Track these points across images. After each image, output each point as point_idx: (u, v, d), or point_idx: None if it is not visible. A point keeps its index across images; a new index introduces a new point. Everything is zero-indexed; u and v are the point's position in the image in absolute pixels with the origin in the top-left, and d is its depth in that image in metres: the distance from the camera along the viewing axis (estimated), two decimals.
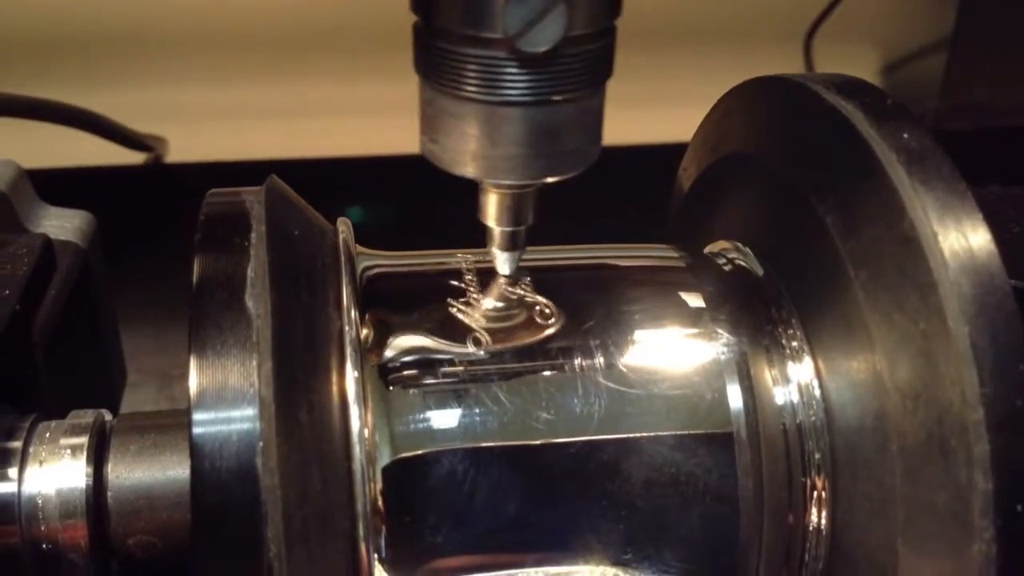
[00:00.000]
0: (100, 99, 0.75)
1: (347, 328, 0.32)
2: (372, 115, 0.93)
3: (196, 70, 0.93)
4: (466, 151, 0.30)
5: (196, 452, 0.28)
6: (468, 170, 0.31)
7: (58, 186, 0.50)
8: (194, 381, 0.29)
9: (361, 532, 0.30)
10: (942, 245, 0.29)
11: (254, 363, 0.29)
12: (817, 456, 0.33)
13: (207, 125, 0.92)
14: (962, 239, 0.29)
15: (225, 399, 0.28)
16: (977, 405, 0.27)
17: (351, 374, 0.31)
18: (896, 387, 0.30)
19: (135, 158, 0.83)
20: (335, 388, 0.31)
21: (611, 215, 0.45)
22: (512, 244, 0.34)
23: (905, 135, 0.31)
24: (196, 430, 0.28)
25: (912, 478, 0.29)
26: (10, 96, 0.62)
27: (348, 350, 0.31)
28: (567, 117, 0.30)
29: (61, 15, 0.89)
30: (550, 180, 0.31)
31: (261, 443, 0.28)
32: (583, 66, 0.29)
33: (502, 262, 0.34)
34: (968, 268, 0.28)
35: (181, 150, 0.85)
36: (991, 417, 0.27)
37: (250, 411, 0.28)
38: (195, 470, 0.28)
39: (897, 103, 0.33)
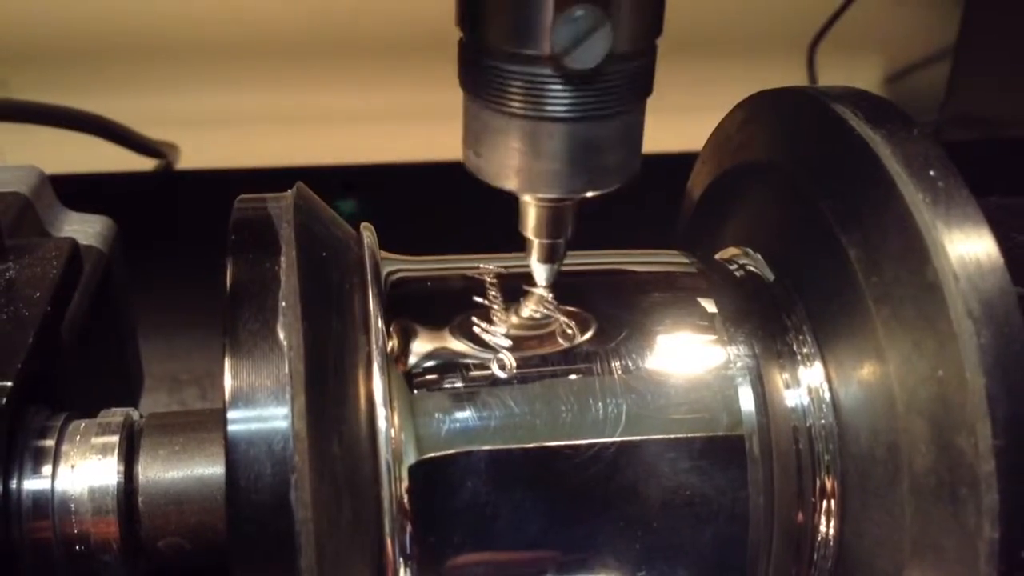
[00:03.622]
0: (112, 105, 0.77)
1: (375, 352, 0.32)
2: (383, 123, 0.94)
3: (207, 77, 0.94)
4: (509, 165, 0.31)
5: (232, 486, 0.29)
6: (511, 184, 0.31)
7: (70, 190, 0.50)
8: (230, 415, 0.29)
9: (390, 558, 0.31)
10: (965, 294, 0.29)
11: (287, 396, 0.29)
12: (828, 480, 0.34)
13: (218, 131, 0.93)
14: (984, 289, 0.29)
15: (261, 435, 0.29)
16: (989, 457, 0.28)
17: (381, 411, 0.31)
18: (910, 428, 0.30)
19: (146, 164, 0.84)
20: (364, 419, 0.31)
21: (614, 224, 0.45)
22: (551, 256, 0.34)
23: (932, 172, 0.31)
24: (233, 465, 0.29)
25: (921, 518, 0.30)
26: (24, 103, 0.63)
27: (376, 381, 0.32)
28: (609, 133, 0.30)
29: (75, 24, 0.90)
30: (590, 194, 0.31)
31: (295, 476, 0.29)
32: (625, 83, 0.30)
33: (540, 274, 0.34)
34: (988, 319, 0.29)
35: (191, 156, 0.87)
36: (1002, 469, 0.28)
37: (285, 446, 0.29)
38: (231, 502, 0.29)
39: (924, 132, 0.33)
